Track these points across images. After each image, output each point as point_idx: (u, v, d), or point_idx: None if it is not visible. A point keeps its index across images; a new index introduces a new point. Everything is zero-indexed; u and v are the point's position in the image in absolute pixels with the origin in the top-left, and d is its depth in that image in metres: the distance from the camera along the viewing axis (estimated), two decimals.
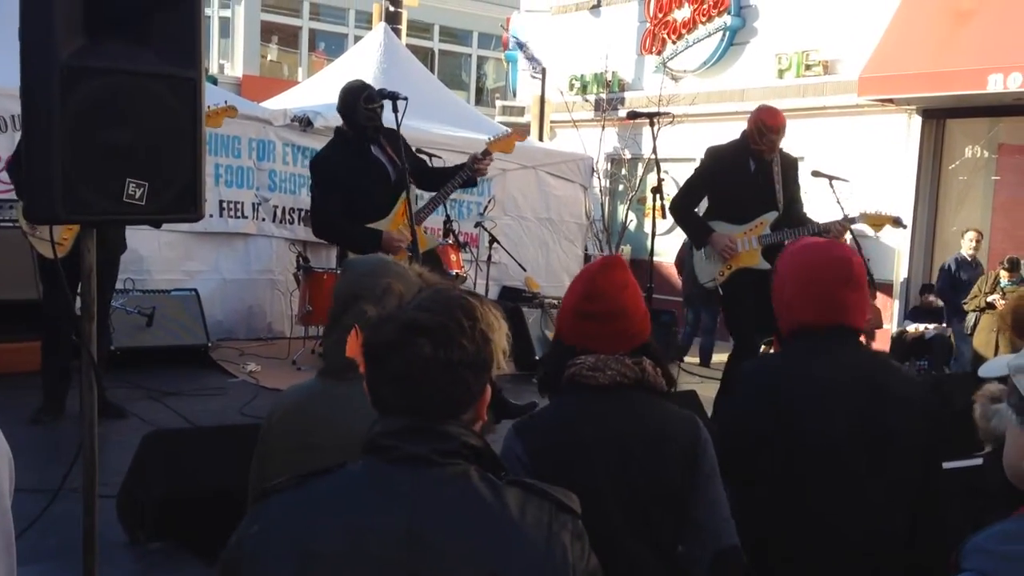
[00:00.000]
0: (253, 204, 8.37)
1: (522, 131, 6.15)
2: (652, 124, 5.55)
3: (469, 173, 5.35)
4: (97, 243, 5.46)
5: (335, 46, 23.34)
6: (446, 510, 1.41)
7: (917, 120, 11.03)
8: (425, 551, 1.38)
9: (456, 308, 1.49)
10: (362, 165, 5.14)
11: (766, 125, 5.33)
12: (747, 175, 5.40)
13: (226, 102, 6.52)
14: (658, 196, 5.44)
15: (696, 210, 5.68)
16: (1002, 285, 9.54)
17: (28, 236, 5.30)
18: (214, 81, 19.49)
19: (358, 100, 5.10)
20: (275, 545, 1.41)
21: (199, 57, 2.70)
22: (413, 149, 5.58)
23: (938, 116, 10.99)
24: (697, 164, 13.29)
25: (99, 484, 3.49)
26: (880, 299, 11.51)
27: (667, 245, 13.51)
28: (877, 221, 5.54)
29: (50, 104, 2.42)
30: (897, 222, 5.56)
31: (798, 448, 2.09)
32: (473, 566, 1.38)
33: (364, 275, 1.94)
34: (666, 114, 6.37)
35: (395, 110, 4.43)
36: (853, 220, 5.46)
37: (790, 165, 5.57)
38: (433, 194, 5.45)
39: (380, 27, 10.39)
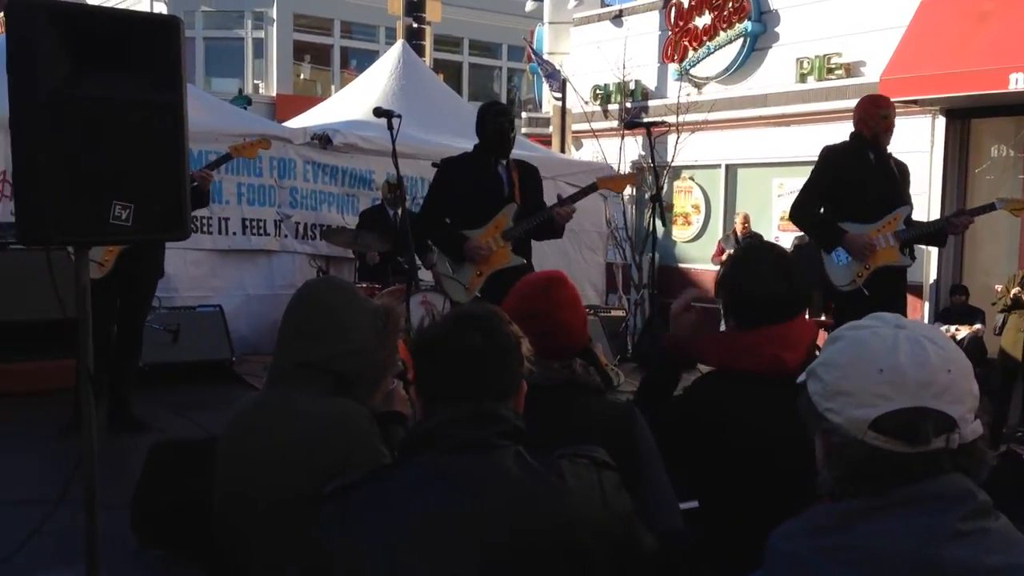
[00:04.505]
0: (275, 221, 8.56)
1: (634, 174, 5.96)
2: (649, 134, 5.54)
3: (548, 215, 5.22)
4: (137, 266, 5.68)
5: (366, 62, 23.56)
6: (514, 491, 1.50)
7: (941, 121, 10.95)
8: (502, 532, 1.47)
9: (494, 310, 1.67)
10: (481, 176, 5.22)
11: (875, 105, 5.11)
12: (869, 169, 5.11)
13: (260, 137, 6.72)
14: (657, 204, 5.43)
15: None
16: None
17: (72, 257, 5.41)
18: (248, 101, 19.85)
19: (486, 115, 5.24)
20: (360, 539, 1.49)
21: (181, 82, 2.82)
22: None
23: (962, 116, 10.89)
24: (723, 171, 13.32)
25: (116, 495, 3.65)
26: (910, 302, 11.42)
27: (694, 252, 13.53)
28: (1017, 206, 5.31)
29: (36, 133, 2.55)
30: None
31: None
32: (550, 539, 1.49)
33: (308, 291, 2.03)
34: (662, 123, 6.35)
35: (390, 128, 4.54)
36: (992, 207, 5.22)
37: (903, 167, 5.32)
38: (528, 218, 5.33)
39: (398, 44, 10.56)
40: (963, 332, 10.06)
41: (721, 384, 2.23)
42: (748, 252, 2.39)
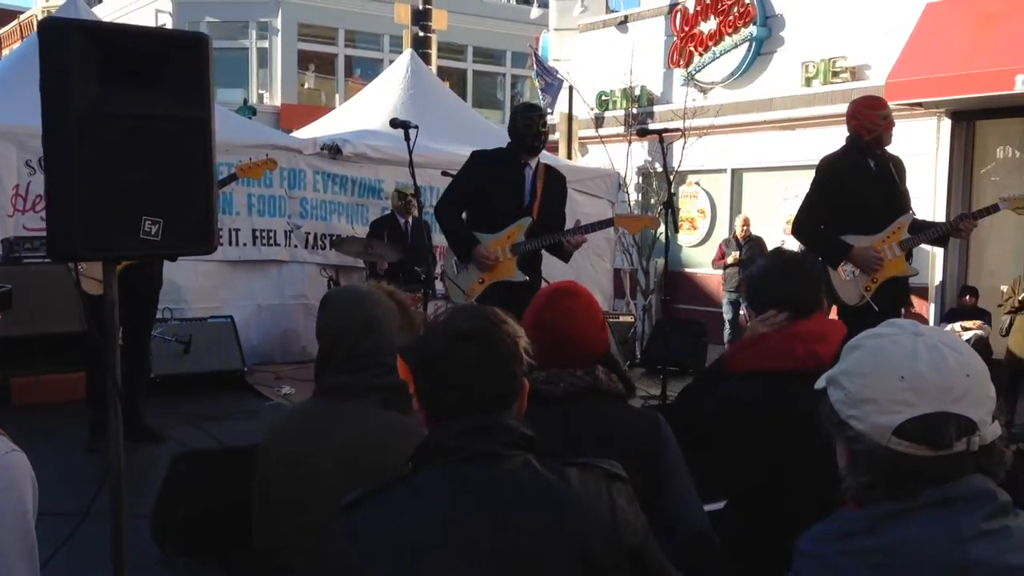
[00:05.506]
0: (285, 231, 8.59)
1: (654, 219, 6.03)
2: (661, 140, 5.58)
3: (560, 239, 5.19)
4: (141, 278, 5.71)
5: (371, 71, 23.68)
6: (523, 498, 1.53)
7: (947, 123, 10.99)
8: (513, 538, 1.50)
9: (486, 314, 1.68)
10: (506, 179, 5.20)
11: (873, 107, 4.99)
12: (870, 177, 4.99)
13: (267, 155, 6.78)
14: (670, 211, 5.47)
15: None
16: None
17: (73, 273, 5.45)
18: (253, 111, 19.89)
19: (517, 111, 5.26)
20: (373, 551, 1.52)
21: (209, 98, 2.85)
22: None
23: (968, 118, 10.93)
24: (729, 175, 13.34)
25: (135, 505, 3.67)
26: (916, 303, 11.43)
27: (700, 257, 13.57)
28: (1021, 204, 5.11)
29: (68, 149, 2.58)
30: None
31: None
32: (559, 545, 1.52)
33: (348, 310, 2.08)
34: (676, 130, 6.41)
35: (407, 138, 4.58)
36: (996, 208, 5.10)
37: (899, 165, 5.16)
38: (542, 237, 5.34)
39: (407, 53, 10.61)
40: (969, 331, 10.06)
41: (756, 384, 2.29)
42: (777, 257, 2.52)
